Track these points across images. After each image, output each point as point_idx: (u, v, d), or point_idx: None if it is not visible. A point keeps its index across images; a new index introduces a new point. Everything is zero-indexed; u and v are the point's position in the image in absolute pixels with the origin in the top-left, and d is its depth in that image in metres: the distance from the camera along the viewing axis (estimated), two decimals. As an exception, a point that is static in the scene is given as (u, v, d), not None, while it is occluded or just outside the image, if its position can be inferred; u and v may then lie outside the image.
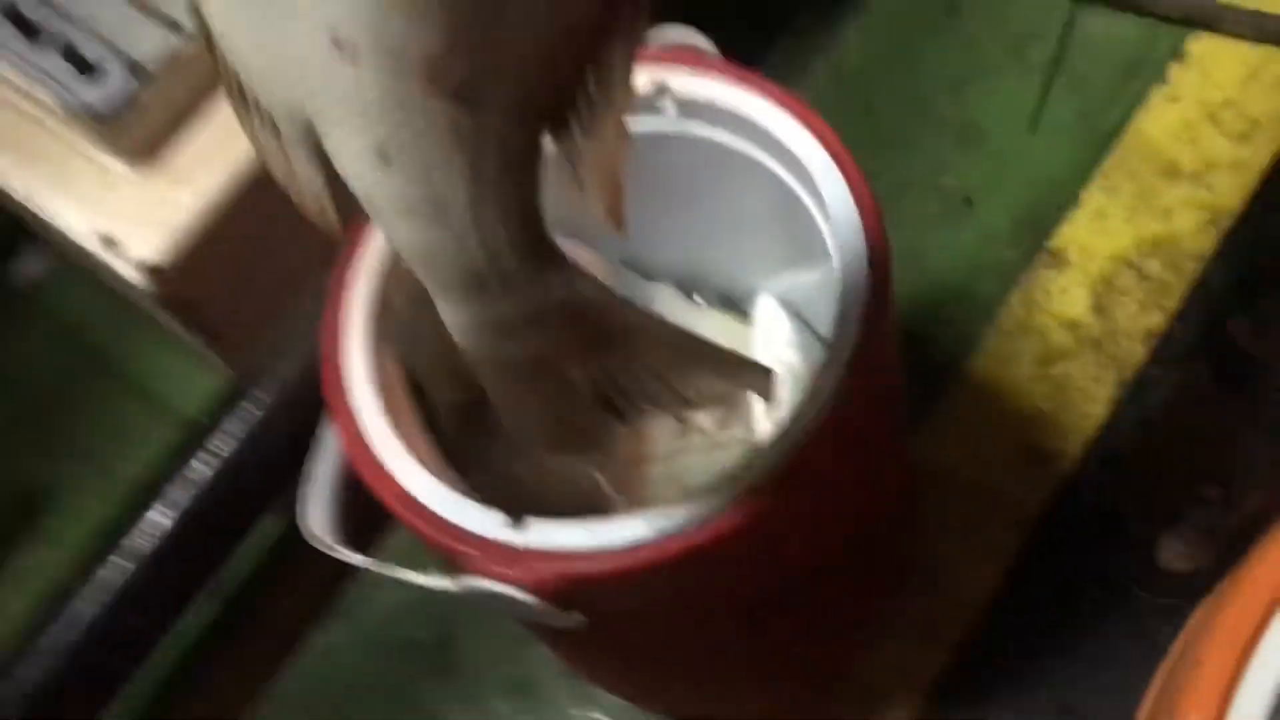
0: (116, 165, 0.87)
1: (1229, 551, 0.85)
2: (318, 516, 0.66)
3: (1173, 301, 0.96)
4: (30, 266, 1.18)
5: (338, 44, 0.35)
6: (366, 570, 0.62)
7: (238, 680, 0.96)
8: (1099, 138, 1.03)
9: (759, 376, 0.53)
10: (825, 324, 0.62)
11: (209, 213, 0.86)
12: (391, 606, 0.96)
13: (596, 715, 0.91)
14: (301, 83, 0.37)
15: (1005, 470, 0.92)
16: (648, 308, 0.51)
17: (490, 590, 0.55)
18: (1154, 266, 0.97)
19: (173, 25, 0.87)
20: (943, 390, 0.95)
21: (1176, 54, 1.05)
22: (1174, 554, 0.87)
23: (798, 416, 0.57)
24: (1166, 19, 1.06)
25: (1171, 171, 1.01)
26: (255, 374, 0.91)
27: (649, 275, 0.82)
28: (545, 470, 0.70)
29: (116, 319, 1.08)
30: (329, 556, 0.62)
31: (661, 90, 0.67)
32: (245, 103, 0.40)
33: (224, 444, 0.90)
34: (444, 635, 0.95)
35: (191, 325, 0.91)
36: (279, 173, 0.41)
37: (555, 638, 0.76)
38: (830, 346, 0.58)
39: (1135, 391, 0.93)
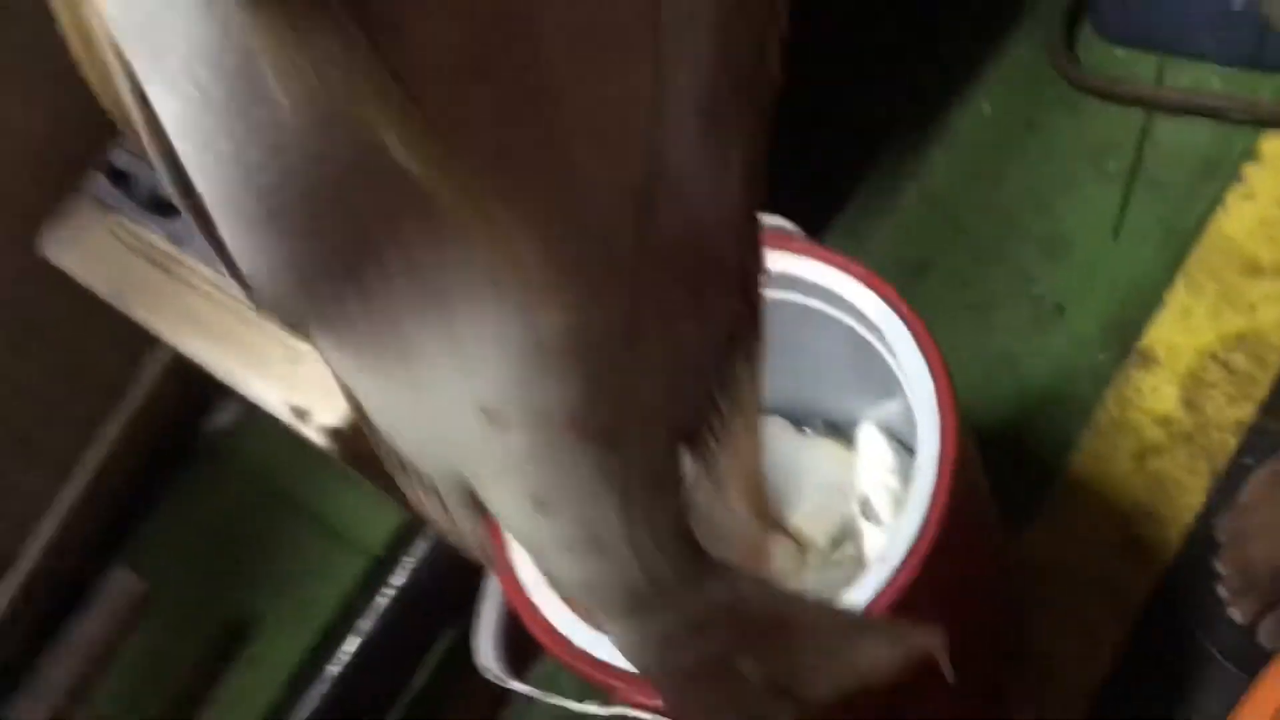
0: (303, 344, 1.01)
1: (1327, 631, 0.90)
2: (487, 650, 0.78)
3: (1260, 392, 1.02)
4: (222, 418, 1.33)
5: (488, 415, 0.37)
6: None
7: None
8: (1180, 239, 1.10)
9: (928, 635, 0.53)
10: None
11: (379, 380, 0.99)
12: None
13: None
14: (457, 451, 0.40)
15: (1109, 562, 0.99)
16: (807, 599, 0.53)
17: (634, 717, 0.66)
18: (1240, 360, 1.03)
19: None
20: (1045, 489, 1.02)
21: (1250, 154, 1.12)
22: (1275, 635, 0.92)
23: (895, 540, 0.67)
24: (1238, 122, 1.13)
25: (1252, 268, 1.07)
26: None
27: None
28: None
29: (302, 463, 1.22)
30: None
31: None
32: (403, 469, 0.43)
33: (403, 577, 1.04)
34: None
35: (371, 475, 1.05)
36: (440, 523, 0.44)
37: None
38: (915, 481, 0.68)
39: (1229, 481, 0.99)
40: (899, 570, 0.66)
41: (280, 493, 1.24)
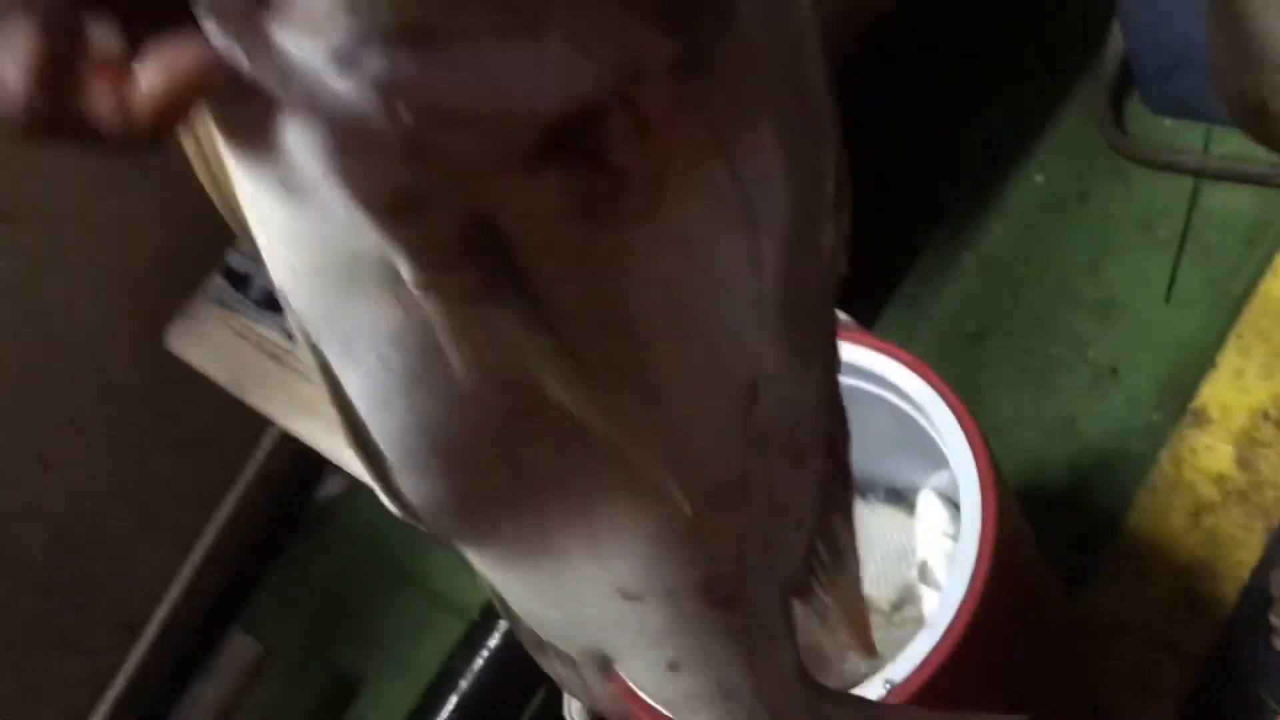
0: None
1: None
2: (578, 711, 0.85)
3: (1312, 450, 1.06)
4: (331, 487, 1.43)
5: (625, 595, 0.42)
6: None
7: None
8: (1230, 302, 1.14)
9: None
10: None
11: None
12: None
13: None
14: (596, 629, 0.44)
15: (1168, 617, 1.03)
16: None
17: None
18: (1291, 419, 1.08)
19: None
20: (1104, 547, 1.07)
21: (1296, 218, 1.16)
22: (1331, 687, 0.96)
23: (944, 604, 0.73)
24: (1284, 186, 1.17)
25: (1301, 328, 1.11)
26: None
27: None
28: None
29: (404, 530, 1.30)
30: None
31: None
32: (541, 648, 0.47)
33: (497, 638, 1.11)
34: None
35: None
36: (575, 691, 0.48)
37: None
38: (960, 547, 0.74)
39: (1283, 536, 1.03)
40: (946, 632, 0.72)
41: (384, 558, 1.33)
